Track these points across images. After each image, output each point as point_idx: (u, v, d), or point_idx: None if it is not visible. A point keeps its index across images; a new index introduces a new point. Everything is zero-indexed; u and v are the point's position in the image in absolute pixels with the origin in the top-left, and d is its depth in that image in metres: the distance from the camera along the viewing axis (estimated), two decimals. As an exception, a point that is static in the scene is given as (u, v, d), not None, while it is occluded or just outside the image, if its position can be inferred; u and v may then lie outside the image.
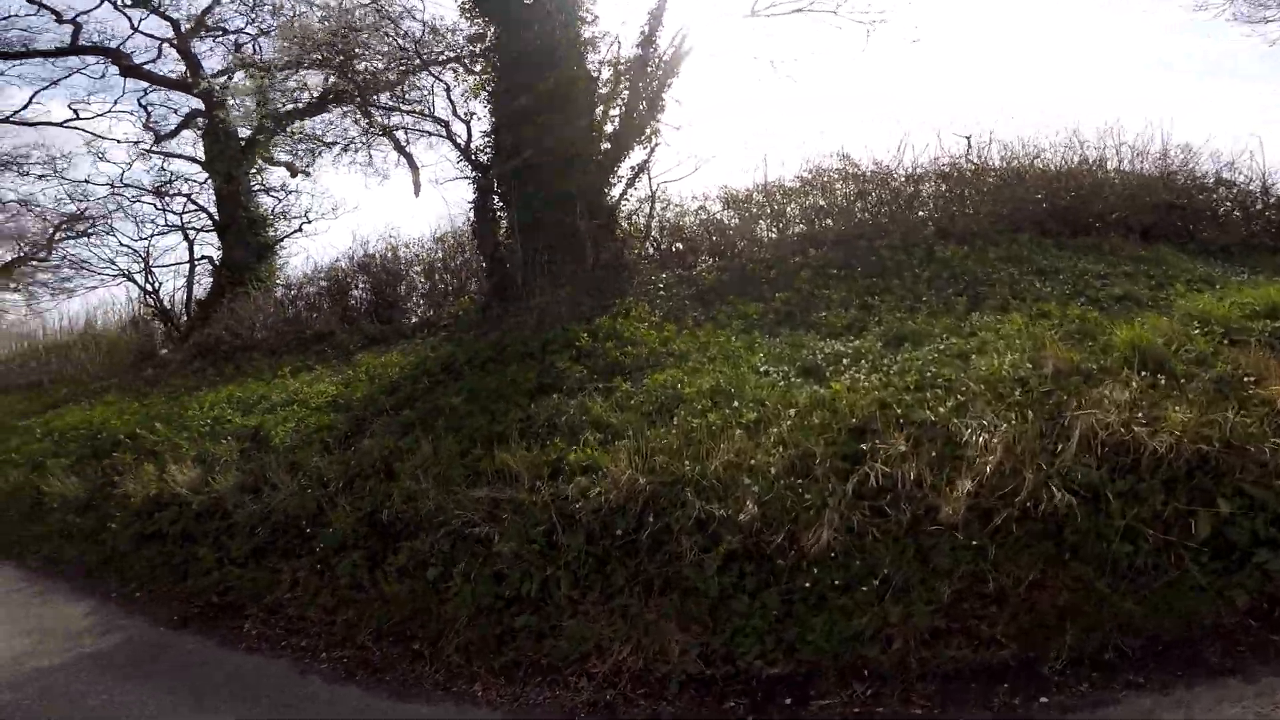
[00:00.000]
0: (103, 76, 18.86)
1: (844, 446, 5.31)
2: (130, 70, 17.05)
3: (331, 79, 13.68)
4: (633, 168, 10.75)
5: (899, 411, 5.52)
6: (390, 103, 11.75)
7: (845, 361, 6.45)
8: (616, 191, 10.66)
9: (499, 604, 5.58)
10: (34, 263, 25.62)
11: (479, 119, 11.24)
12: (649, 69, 10.77)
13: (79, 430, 11.96)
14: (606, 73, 10.76)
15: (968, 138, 11.85)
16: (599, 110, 10.72)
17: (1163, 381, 5.69)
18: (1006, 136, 12.44)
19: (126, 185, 18.81)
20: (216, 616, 6.62)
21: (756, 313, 8.32)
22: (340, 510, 6.71)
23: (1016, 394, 5.70)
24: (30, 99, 20.04)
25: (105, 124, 19.61)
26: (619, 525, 5.39)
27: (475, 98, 11.92)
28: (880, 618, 4.99)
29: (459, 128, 10.90)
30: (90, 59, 17.64)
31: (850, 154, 12.11)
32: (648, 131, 10.85)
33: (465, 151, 11.09)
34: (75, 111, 19.36)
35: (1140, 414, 5.37)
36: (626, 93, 10.79)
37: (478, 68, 10.75)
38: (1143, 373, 5.83)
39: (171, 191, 18.67)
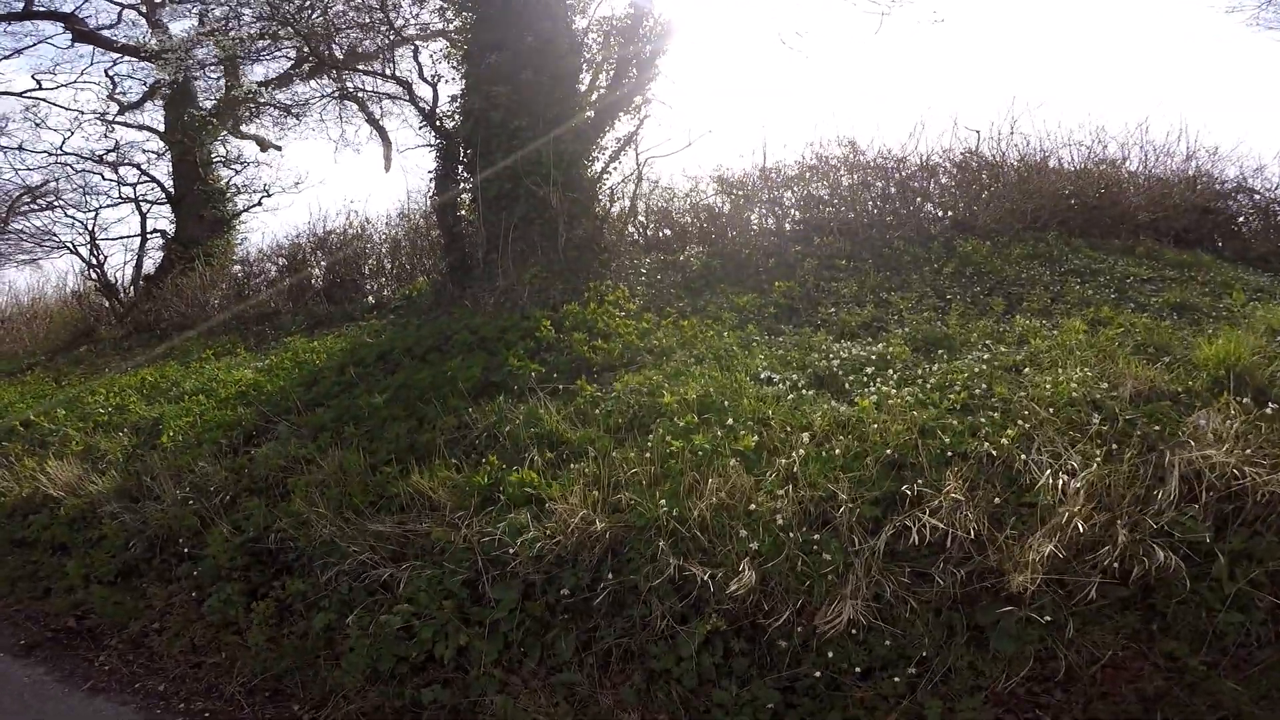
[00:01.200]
0: (71, 46, 16.86)
1: (875, 487, 3.75)
2: (84, 36, 15.08)
3: (303, 49, 12.08)
4: (618, 140, 9.15)
5: (945, 440, 3.98)
6: (351, 64, 10.03)
7: (869, 370, 4.90)
8: (599, 166, 9.03)
9: (403, 669, 4.01)
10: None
11: (447, 81, 9.59)
12: (641, 32, 9.17)
13: (-23, 414, 10.13)
14: (594, 34, 9.13)
15: (977, 132, 10.41)
16: (584, 75, 9.10)
17: (1270, 410, 4.26)
18: (1029, 129, 11.15)
19: (68, 153, 16.79)
20: (71, 644, 5.17)
21: (753, 305, 6.74)
22: (218, 531, 5.07)
23: (1095, 422, 4.20)
24: None
25: (69, 94, 17.64)
26: (567, 580, 3.81)
27: (447, 60, 10.27)
28: (914, 715, 3.52)
29: (424, 91, 9.23)
30: (49, 26, 15.65)
31: (856, 141, 10.62)
32: (637, 101, 9.24)
33: (429, 116, 9.41)
34: (38, 82, 17.31)
35: (1251, 450, 3.94)
36: (615, 58, 9.19)
37: (453, 24, 9.09)
38: (1240, 398, 4.40)
39: (120, 161, 16.71)
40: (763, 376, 4.86)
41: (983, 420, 4.14)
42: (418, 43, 9.33)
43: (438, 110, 9.39)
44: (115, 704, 4.32)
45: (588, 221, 8.23)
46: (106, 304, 15.96)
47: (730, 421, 4.26)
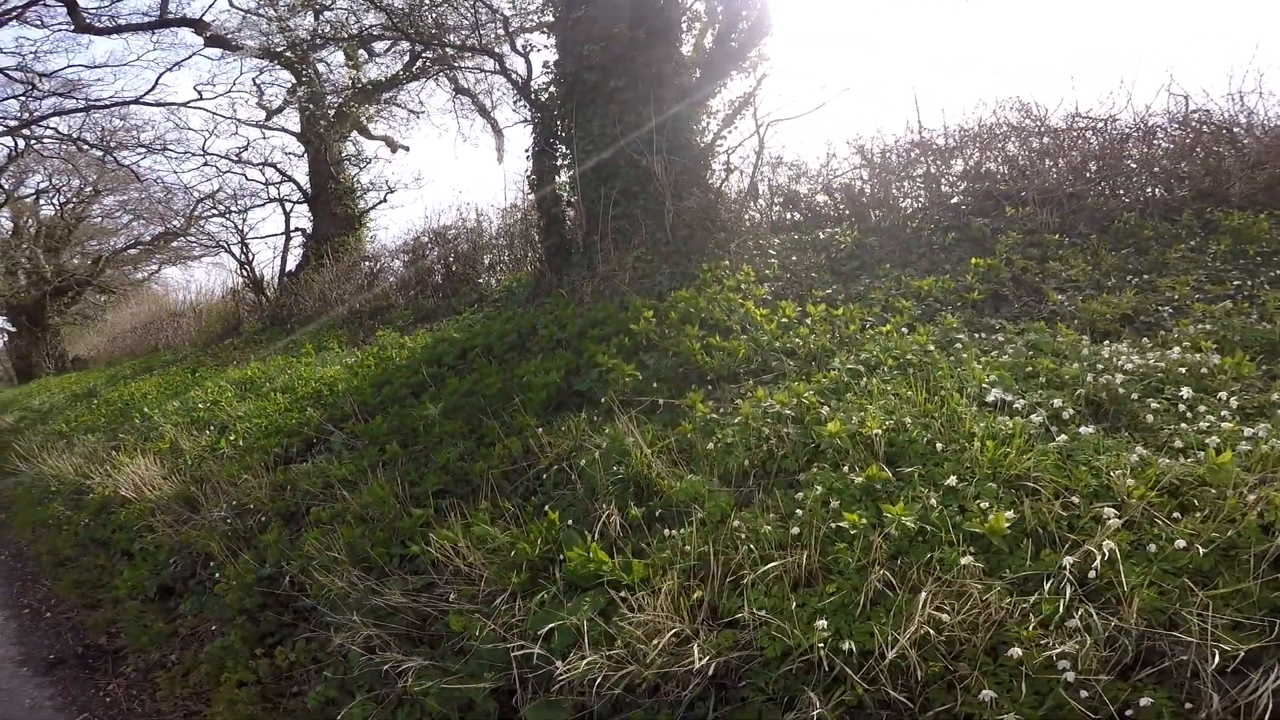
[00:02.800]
0: (221, 58, 17.69)
1: (1258, 608, 1.67)
2: (214, 40, 15.51)
3: (428, 50, 11.40)
4: (731, 102, 7.27)
5: None
6: (441, 39, 8.92)
7: (1181, 391, 2.69)
8: (711, 131, 7.21)
9: None
10: (178, 238, 25.90)
11: (538, 50, 8.21)
12: None
13: (119, 404, 10.21)
14: None
15: (1205, 92, 7.32)
16: (687, 29, 7.36)
17: None
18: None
19: (222, 158, 17.57)
20: (93, 664, 4.35)
21: (937, 290, 4.59)
22: (244, 560, 3.87)
23: None
24: (156, 80, 19.46)
25: (225, 103, 18.60)
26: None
27: (538, 25, 8.89)
28: None
29: (516, 63, 7.90)
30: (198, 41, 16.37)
31: (1033, 104, 7.90)
32: (751, 56, 7.31)
33: (523, 89, 8.04)
34: (199, 93, 18.41)
35: None
36: (721, 8, 7.34)
37: None
38: None
39: (265, 163, 17.25)
40: (990, 399, 2.80)
41: None
42: (507, 12, 7.98)
43: (532, 83, 8.00)
44: None
45: (700, 193, 6.43)
46: (253, 299, 16.44)
47: (952, 480, 2.28)
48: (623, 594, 2.28)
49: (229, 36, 14.02)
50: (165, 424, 7.46)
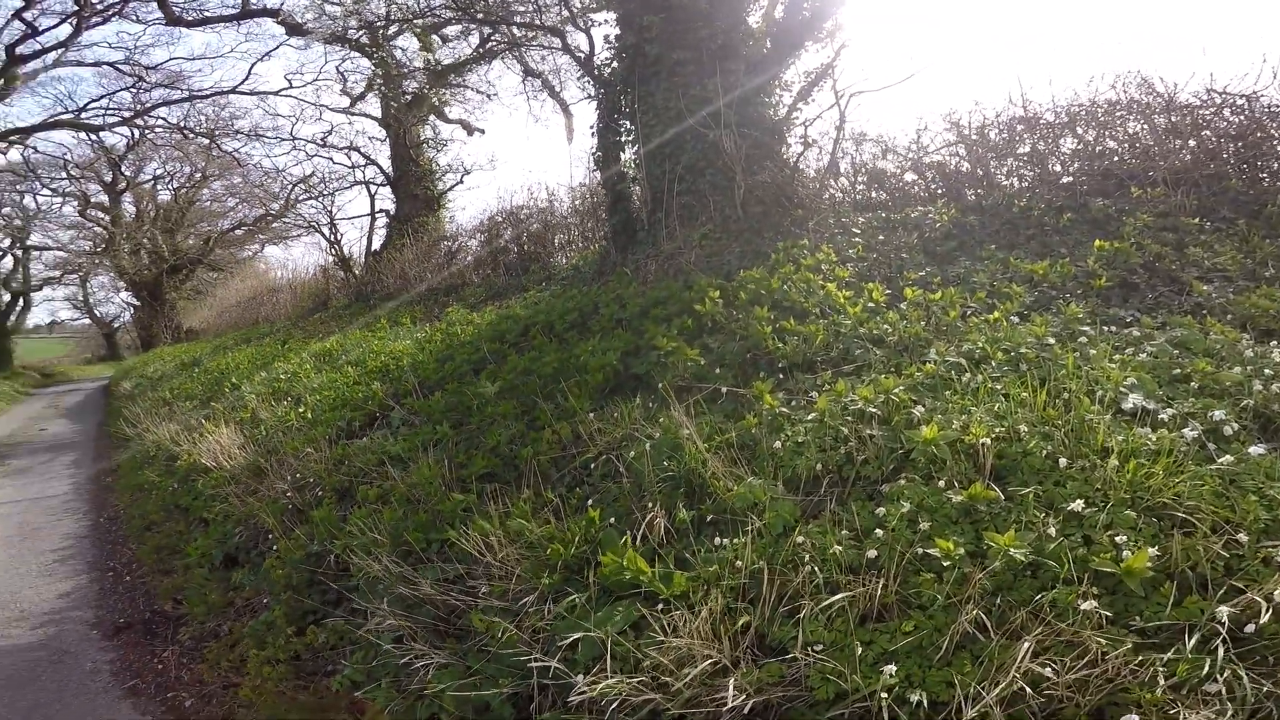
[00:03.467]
0: (305, 48, 18.44)
1: None
2: (294, 29, 16.07)
3: (496, 30, 11.34)
4: (807, 74, 6.66)
5: None
6: (506, 17, 8.74)
7: None
8: (785, 105, 6.65)
9: None
10: (277, 219, 27.60)
11: (599, 25, 7.86)
12: None
13: (216, 374, 10.85)
14: None
15: None
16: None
17: None
18: None
19: (310, 143, 18.41)
20: (155, 630, 4.40)
21: (1054, 274, 3.94)
22: (285, 541, 3.86)
23: None
24: (249, 71, 20.56)
25: (311, 92, 19.44)
26: None
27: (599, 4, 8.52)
28: None
29: (579, 39, 7.61)
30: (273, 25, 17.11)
31: (1156, 78, 6.78)
32: (828, 25, 6.67)
33: (586, 65, 7.74)
34: (289, 82, 19.32)
35: None
36: None
37: None
38: None
39: (351, 147, 17.91)
40: (1128, 405, 2.26)
41: None
42: None
43: (595, 59, 7.69)
44: (135, 712, 3.50)
45: (773, 168, 5.93)
46: (341, 276, 17.17)
47: (1078, 504, 1.82)
48: (659, 607, 1.98)
49: (304, 24, 14.49)
50: (250, 394, 7.78)
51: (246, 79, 19.32)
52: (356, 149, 18.37)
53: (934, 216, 5.55)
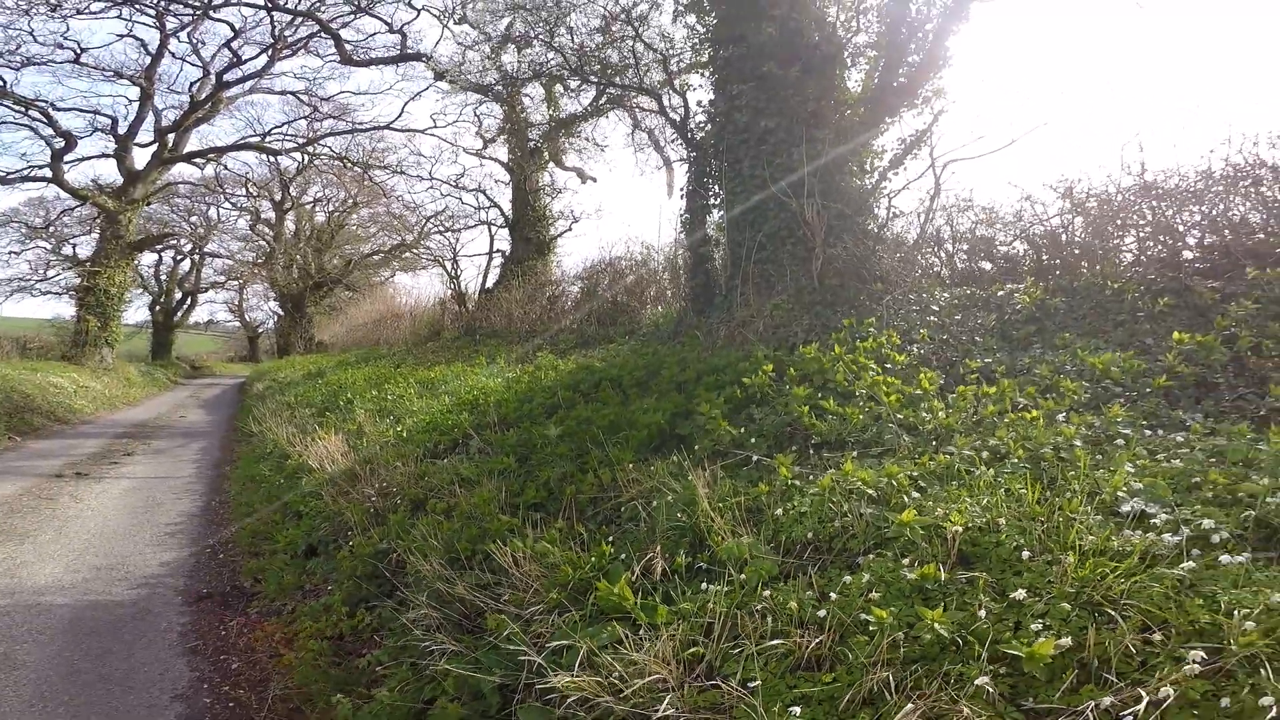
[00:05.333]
0: (449, 92, 21.02)
1: None
2: (440, 74, 18.39)
3: (605, 89, 12.68)
4: (901, 140, 6.91)
5: None
6: (609, 77, 9.76)
7: None
8: (878, 172, 6.93)
9: None
10: (409, 250, 30.92)
11: (694, 89, 8.58)
12: (913, 12, 6.87)
13: (335, 386, 12.44)
14: (850, 16, 7.16)
15: None
16: (852, 63, 7.19)
17: None
18: None
19: (443, 182, 20.76)
20: (231, 603, 5.13)
21: (1118, 370, 3.95)
22: (361, 538, 4.59)
23: None
24: (402, 109, 23.65)
25: (450, 132, 21.95)
26: None
27: (693, 66, 9.27)
28: None
29: (677, 102, 8.35)
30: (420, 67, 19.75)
31: None
32: (924, 93, 6.90)
33: (680, 128, 8.48)
34: (434, 120, 22.03)
35: None
36: (886, 42, 7.05)
37: (691, 18, 8.05)
38: None
39: (478, 189, 19.96)
40: (1125, 509, 2.39)
41: None
42: (665, 51, 8.49)
43: (689, 122, 8.38)
44: (187, 669, 4.09)
45: (855, 241, 6.20)
46: (455, 309, 18.97)
47: (1020, 593, 2.02)
48: (640, 632, 2.37)
49: (447, 72, 16.61)
50: (360, 409, 8.98)
51: (400, 116, 22.37)
52: (483, 191, 20.49)
53: (1019, 296, 5.58)
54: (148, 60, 21.08)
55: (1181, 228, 7.11)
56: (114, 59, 25.99)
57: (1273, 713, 1.54)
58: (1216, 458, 2.76)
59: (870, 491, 2.78)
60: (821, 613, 2.15)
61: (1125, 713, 1.58)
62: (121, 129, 21.52)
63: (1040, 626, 1.88)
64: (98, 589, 5.22)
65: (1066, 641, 1.79)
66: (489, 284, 19.75)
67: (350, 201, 31.26)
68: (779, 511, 2.88)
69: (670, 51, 8.76)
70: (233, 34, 20.50)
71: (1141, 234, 7.39)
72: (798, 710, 1.82)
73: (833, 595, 2.24)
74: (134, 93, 21.51)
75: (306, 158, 25.79)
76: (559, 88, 16.83)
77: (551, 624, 2.67)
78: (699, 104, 7.91)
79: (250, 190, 30.19)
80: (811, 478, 3.24)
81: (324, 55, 21.32)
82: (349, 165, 24.22)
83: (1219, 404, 3.62)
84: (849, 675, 1.90)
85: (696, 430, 4.16)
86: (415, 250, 30.12)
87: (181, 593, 5.26)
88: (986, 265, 8.55)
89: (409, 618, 3.23)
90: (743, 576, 2.49)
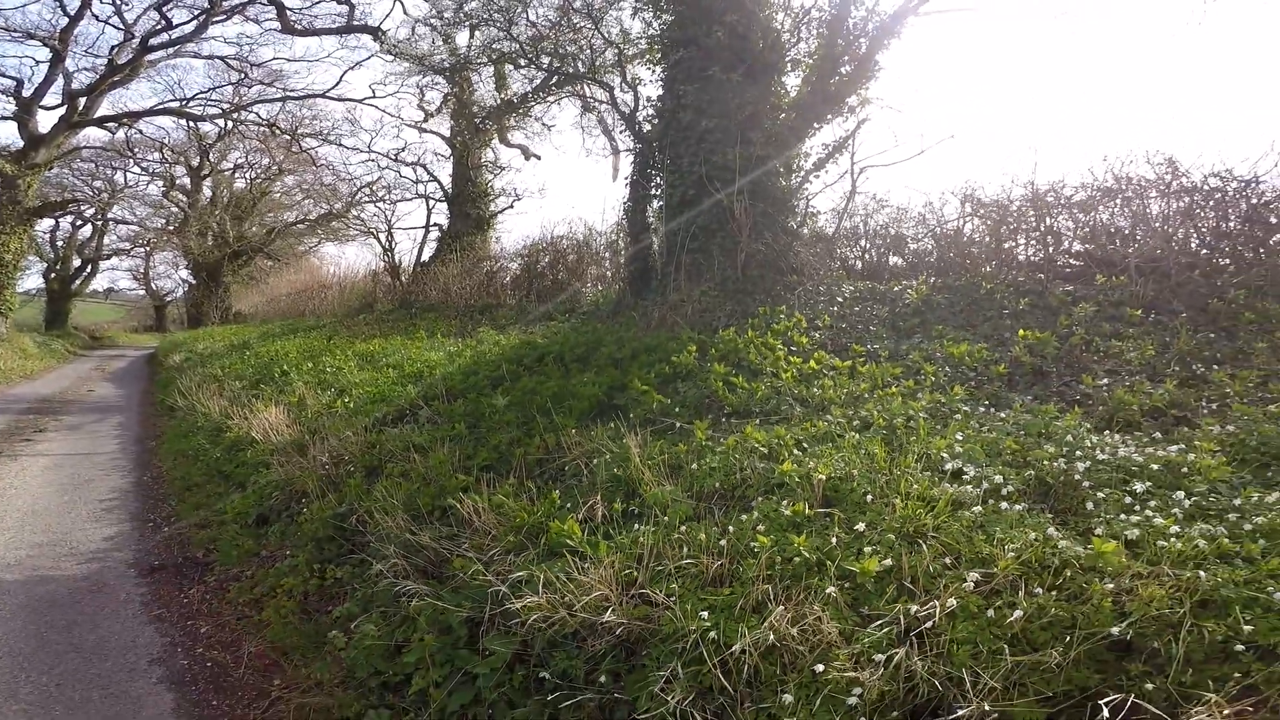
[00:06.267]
0: (393, 61, 20.58)
1: (1058, 683, 2.08)
2: (393, 52, 18.12)
3: (556, 76, 12.98)
4: (825, 145, 7.75)
5: (1243, 626, 2.12)
6: (563, 66, 10.17)
7: (1140, 487, 2.98)
8: (801, 173, 7.75)
9: (374, 682, 3.28)
10: (337, 220, 30.02)
11: (645, 84, 9.18)
12: (851, 24, 7.69)
13: (266, 359, 12.41)
14: (793, 26, 7.92)
15: None
16: (792, 69, 7.94)
17: None
18: None
19: (380, 154, 20.41)
20: (186, 572, 5.28)
21: (976, 360, 4.90)
22: (318, 503, 5.04)
23: None
24: (340, 77, 22.95)
25: (394, 103, 21.49)
26: (557, 663, 2.78)
27: (644, 61, 9.85)
28: None
29: (627, 96, 8.91)
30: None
31: (1175, 158, 7.65)
32: (850, 102, 7.75)
33: (629, 119, 9.06)
34: (373, 91, 21.51)
35: None
36: (822, 53, 7.85)
37: (653, 28, 8.62)
38: None
39: (416, 162, 19.80)
40: (948, 468, 3.23)
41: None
42: (621, 47, 9.02)
43: (638, 114, 8.97)
44: (157, 635, 4.29)
45: (774, 237, 7.00)
46: (389, 282, 18.87)
47: (861, 526, 2.81)
48: (586, 565, 3.03)
49: (398, 46, 16.42)
50: (298, 381, 9.18)
51: (337, 85, 21.68)
52: (423, 165, 20.31)
53: (909, 293, 6.52)
54: (64, 21, 19.59)
55: (1063, 233, 8.36)
56: (26, 20, 23.79)
57: (1010, 613, 2.28)
58: (1023, 430, 3.67)
59: (763, 449, 3.54)
60: (723, 542, 2.88)
61: (926, 617, 2.33)
62: (27, 91, 20.01)
63: (870, 551, 2.65)
64: (46, 565, 5.30)
65: (889, 563, 2.57)
66: (425, 257, 19.75)
67: (276, 169, 29.95)
68: (695, 466, 3.60)
69: (625, 44, 9.25)
70: (165, -3, 19.34)
71: (1029, 238, 8.61)
72: (705, 614, 2.52)
73: (730, 529, 2.97)
74: (44, 54, 20.00)
75: (230, 123, 24.58)
76: (509, 67, 16.92)
77: (510, 563, 3.28)
78: (648, 99, 8.49)
79: (165, 155, 28.43)
80: (721, 440, 3.98)
81: (262, 22, 20.36)
82: (277, 133, 23.30)
83: (1047, 389, 4.60)
84: (741, 588, 2.62)
85: (631, 401, 4.84)
86: (345, 220, 29.30)
87: (133, 565, 5.38)
88: (899, 261, 9.64)
89: (380, 568, 3.76)
90: (665, 518, 3.19)
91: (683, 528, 3.08)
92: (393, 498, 4.35)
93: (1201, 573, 2.37)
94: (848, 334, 5.80)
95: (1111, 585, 2.37)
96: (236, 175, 32.40)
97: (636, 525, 3.25)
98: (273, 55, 29.36)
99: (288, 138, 24.29)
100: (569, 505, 3.57)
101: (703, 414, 4.53)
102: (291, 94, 22.51)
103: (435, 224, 20.00)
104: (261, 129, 23.94)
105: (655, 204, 8.30)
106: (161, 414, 12.06)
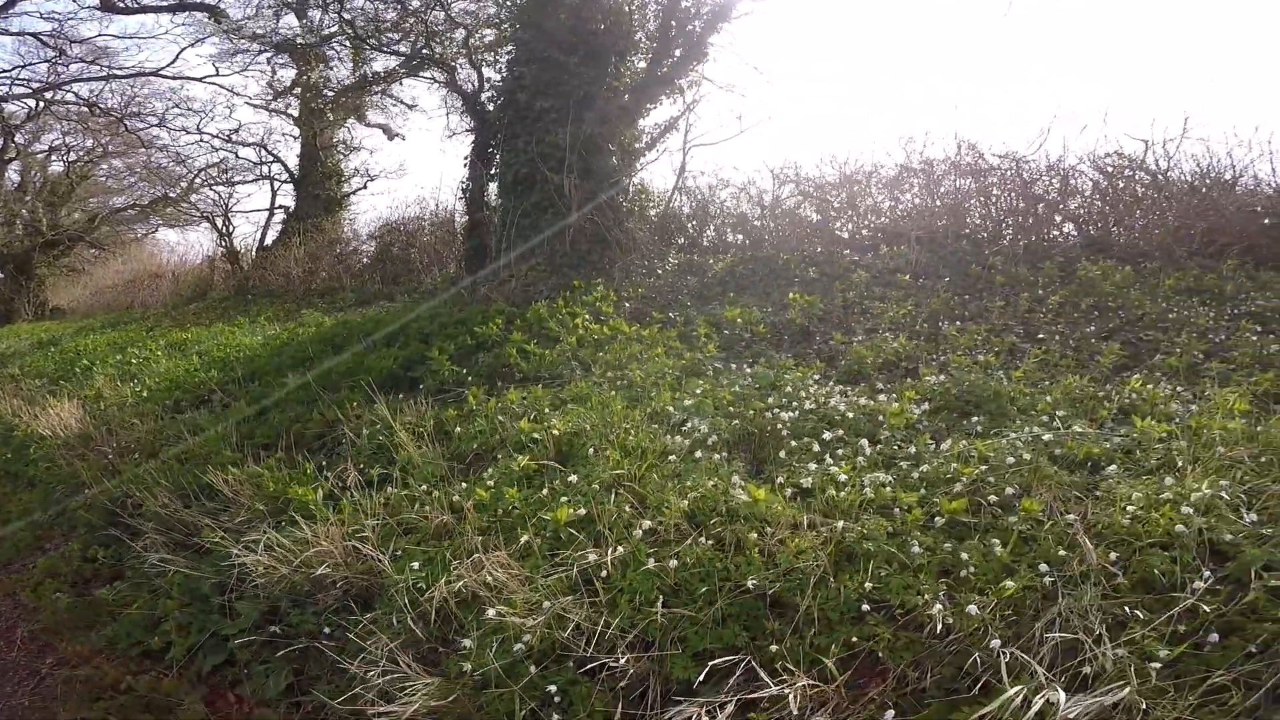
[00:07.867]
0: (237, 39, 18.86)
1: (703, 639, 2.28)
2: (229, 31, 16.69)
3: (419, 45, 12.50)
4: (658, 124, 8.12)
5: (884, 580, 2.31)
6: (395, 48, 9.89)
7: (832, 436, 3.37)
8: (634, 153, 8.05)
9: (135, 651, 3.30)
10: (175, 205, 27.34)
11: (489, 65, 9.16)
12: (684, 6, 8.09)
13: (72, 354, 11.25)
14: (635, 10, 8.19)
15: (1145, 142, 7.98)
16: (626, 54, 8.21)
17: None
18: (1213, 135, 8.70)
19: (213, 136, 18.85)
20: None
21: (750, 321, 5.37)
22: (96, 492, 4.76)
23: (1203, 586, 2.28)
24: (177, 55, 20.80)
25: (240, 80, 19.75)
26: (288, 618, 2.92)
27: (487, 44, 9.82)
28: None
29: (470, 74, 8.84)
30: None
31: (976, 142, 8.73)
32: (681, 84, 8.14)
33: (470, 100, 9.00)
34: (216, 69, 19.60)
35: None
36: (657, 37, 8.18)
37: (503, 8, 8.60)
38: None
39: (260, 143, 18.45)
40: (675, 421, 3.56)
41: (978, 554, 2.39)
42: (467, 29, 8.93)
43: (481, 96, 8.94)
44: None
45: (599, 213, 7.26)
46: (228, 268, 17.54)
47: (573, 478, 3.05)
48: (330, 527, 3.11)
49: (239, 24, 15.16)
50: (100, 375, 8.43)
51: (173, 62, 19.58)
52: (264, 146, 18.91)
53: (716, 265, 7.00)
54: None
55: (876, 211, 9.25)
56: None
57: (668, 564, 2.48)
58: (756, 384, 4.07)
59: (519, 409, 3.75)
60: (456, 498, 3.05)
61: (599, 566, 2.56)
62: None
63: (566, 501, 2.88)
64: None
65: (582, 511, 2.80)
66: (268, 241, 18.49)
67: (100, 151, 26.72)
68: (458, 430, 3.74)
69: (473, 26, 9.09)
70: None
71: (844, 215, 9.45)
72: (416, 564, 2.68)
73: (464, 485, 3.14)
74: None
75: (40, 103, 21.64)
76: (367, 47, 16.03)
77: (259, 530, 3.30)
78: (488, 81, 8.45)
79: (-41, 139, 24.51)
80: (498, 400, 4.15)
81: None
82: (98, 113, 20.77)
83: (809, 347, 5.12)
84: (460, 539, 2.81)
85: (427, 372, 4.90)
86: (181, 205, 26.72)
87: (-98, 569, 4.96)
88: (740, 237, 10.23)
89: (139, 545, 3.64)
90: (413, 480, 3.32)
91: (425, 487, 3.22)
92: (163, 479, 4.19)
93: (840, 523, 2.49)
94: (654, 303, 6.15)
95: (768, 536, 2.50)
96: (52, 158, 28.60)
97: (389, 488, 3.36)
98: (98, 32, 25.89)
99: (114, 118, 21.69)
100: (326, 473, 3.61)
101: (495, 381, 4.68)
102: (118, 73, 20.10)
103: (281, 206, 18.75)
104: (81, 109, 21.23)
105: (494, 185, 8.31)
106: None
